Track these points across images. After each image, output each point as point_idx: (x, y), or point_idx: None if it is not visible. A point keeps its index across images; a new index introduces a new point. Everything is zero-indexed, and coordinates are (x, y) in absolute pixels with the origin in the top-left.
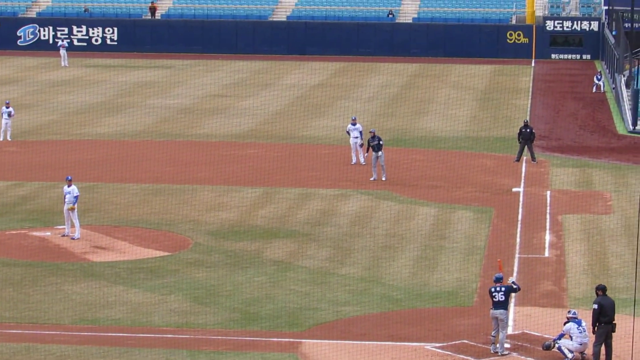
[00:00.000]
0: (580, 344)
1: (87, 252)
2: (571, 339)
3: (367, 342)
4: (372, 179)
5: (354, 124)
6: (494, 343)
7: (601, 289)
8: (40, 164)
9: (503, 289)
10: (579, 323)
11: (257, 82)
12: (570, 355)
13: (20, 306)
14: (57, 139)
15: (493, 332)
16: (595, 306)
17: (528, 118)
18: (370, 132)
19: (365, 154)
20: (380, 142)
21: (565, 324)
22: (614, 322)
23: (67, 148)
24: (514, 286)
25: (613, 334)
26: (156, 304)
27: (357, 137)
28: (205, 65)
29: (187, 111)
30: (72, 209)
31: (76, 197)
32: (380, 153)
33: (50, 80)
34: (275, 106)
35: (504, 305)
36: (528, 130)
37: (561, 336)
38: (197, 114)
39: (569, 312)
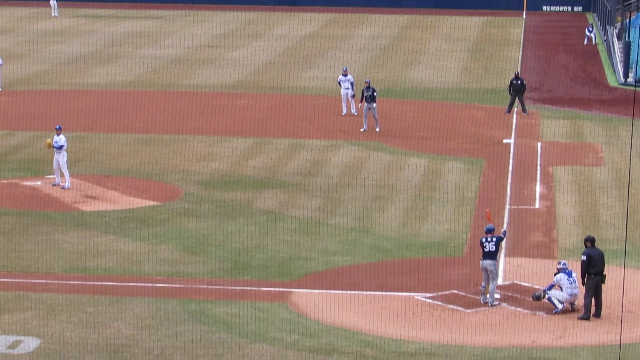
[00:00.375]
0: (570, 295)
1: (77, 201)
2: (561, 290)
3: (357, 292)
4: (362, 129)
5: (345, 75)
6: (484, 294)
7: (590, 240)
8: (31, 113)
9: (494, 239)
10: (569, 274)
11: (248, 33)
12: (560, 306)
13: (11, 255)
14: (48, 89)
15: (483, 283)
16: (584, 257)
17: (519, 70)
18: (365, 82)
19: (359, 105)
20: (375, 94)
21: (555, 275)
22: (604, 273)
23: (58, 98)
24: (503, 236)
25: (603, 285)
26: (147, 253)
27: (348, 88)
28: (195, 15)
29: (178, 61)
30: (49, 145)
31: (60, 146)
32: (374, 104)
33: (40, 30)
34: (266, 57)
35: (493, 255)
36: (519, 82)
37: (551, 287)
38: (187, 65)
39: (559, 263)
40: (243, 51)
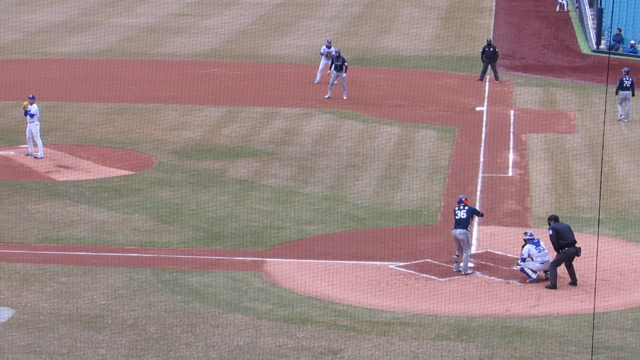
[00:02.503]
0: (542, 263)
1: (51, 171)
2: (532, 260)
3: (330, 261)
4: (327, 96)
5: (328, 47)
6: (457, 262)
7: (553, 219)
8: (3, 83)
9: (467, 207)
10: (536, 244)
11: (220, 1)
12: (534, 276)
13: None
14: (20, 58)
15: (457, 252)
16: (550, 232)
17: (491, 37)
18: (335, 51)
19: (327, 72)
20: (345, 63)
21: (522, 247)
22: (577, 245)
23: (30, 67)
24: (479, 210)
25: (577, 257)
26: (120, 223)
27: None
28: None
29: (151, 30)
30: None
31: (32, 115)
32: (342, 74)
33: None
34: (239, 25)
35: (464, 223)
36: (491, 49)
37: (524, 259)
38: (160, 33)
39: (525, 234)
40: (215, 19)
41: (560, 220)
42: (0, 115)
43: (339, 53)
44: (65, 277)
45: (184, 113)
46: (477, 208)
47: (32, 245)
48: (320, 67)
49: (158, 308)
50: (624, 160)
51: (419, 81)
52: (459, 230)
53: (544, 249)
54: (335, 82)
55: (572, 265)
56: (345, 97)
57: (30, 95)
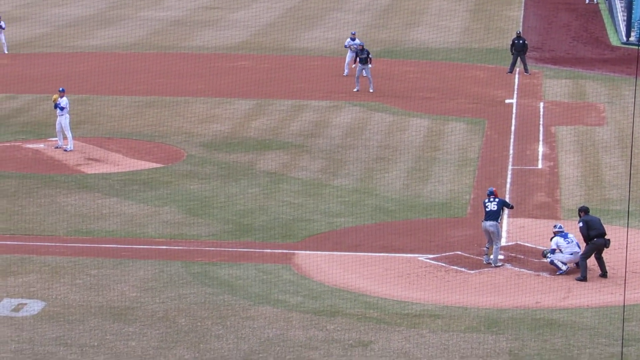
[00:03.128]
0: (572, 254)
1: (80, 164)
2: (561, 252)
3: (360, 253)
4: (355, 89)
5: (353, 39)
6: (487, 254)
7: (583, 210)
8: (33, 76)
9: (497, 199)
10: (565, 236)
11: None
12: (564, 267)
13: (15, 218)
14: (49, 52)
15: (487, 244)
16: (581, 224)
17: (520, 29)
18: (359, 44)
19: (353, 66)
20: (369, 56)
21: (551, 239)
22: (606, 237)
23: (59, 60)
24: (510, 205)
25: (606, 249)
26: (150, 215)
27: (357, 52)
28: None
29: (179, 23)
30: (55, 100)
31: (62, 108)
32: (368, 66)
33: None
34: (267, 18)
35: (494, 216)
36: (521, 41)
37: (553, 251)
38: (189, 26)
39: (554, 226)
40: (244, 12)
41: (590, 212)
42: (30, 109)
43: (363, 46)
44: (95, 270)
45: (213, 106)
46: (507, 200)
47: (62, 238)
48: (347, 60)
49: (188, 300)
50: None
51: (448, 74)
52: (489, 223)
53: (572, 241)
54: (361, 75)
55: (602, 257)
56: (371, 90)
57: (60, 89)
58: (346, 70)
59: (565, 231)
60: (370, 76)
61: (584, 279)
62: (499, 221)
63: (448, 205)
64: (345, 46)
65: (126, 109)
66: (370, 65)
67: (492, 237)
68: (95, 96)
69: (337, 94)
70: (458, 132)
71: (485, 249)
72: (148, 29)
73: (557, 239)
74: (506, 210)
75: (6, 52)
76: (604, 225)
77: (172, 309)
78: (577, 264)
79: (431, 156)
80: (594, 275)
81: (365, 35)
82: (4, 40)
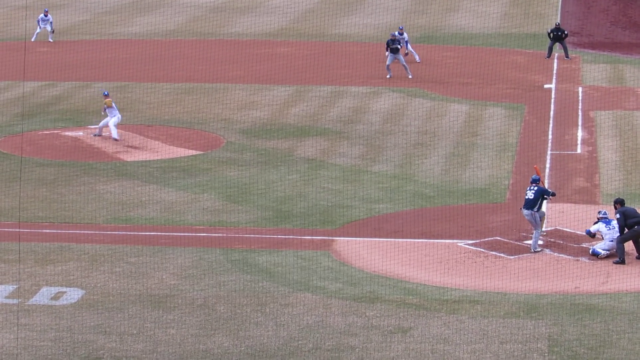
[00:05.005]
0: (612, 240)
1: (119, 151)
2: (602, 238)
3: (399, 239)
4: (388, 76)
5: (400, 34)
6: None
7: (619, 202)
8: (73, 63)
9: (536, 188)
10: (608, 222)
11: None
12: (604, 252)
13: (54, 206)
14: (88, 39)
15: (534, 231)
16: (618, 215)
17: (559, 16)
18: (391, 35)
19: (386, 54)
20: (399, 45)
21: (594, 223)
22: None
23: (99, 48)
24: (549, 190)
25: None
26: (189, 202)
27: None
28: None
29: (219, 10)
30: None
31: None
32: (399, 55)
33: None
34: (307, 4)
35: (531, 204)
36: (559, 33)
37: (589, 233)
38: (228, 13)
39: (599, 212)
40: None
41: (627, 202)
42: (69, 97)
43: (394, 36)
44: (134, 258)
45: (252, 92)
46: (547, 187)
47: (102, 225)
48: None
49: (227, 287)
50: None
51: (487, 59)
52: (526, 211)
53: (614, 227)
54: (393, 63)
55: (638, 240)
56: (410, 76)
57: (104, 92)
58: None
59: (609, 217)
60: (404, 63)
61: (622, 261)
62: (535, 210)
63: (487, 190)
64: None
65: (165, 96)
66: (400, 56)
67: (531, 224)
68: (135, 83)
69: (376, 79)
70: (497, 117)
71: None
72: (187, 16)
73: (600, 224)
74: (547, 186)
75: (51, 40)
76: None
77: (211, 297)
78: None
79: (470, 142)
80: (632, 260)
81: (404, 21)
82: (50, 29)
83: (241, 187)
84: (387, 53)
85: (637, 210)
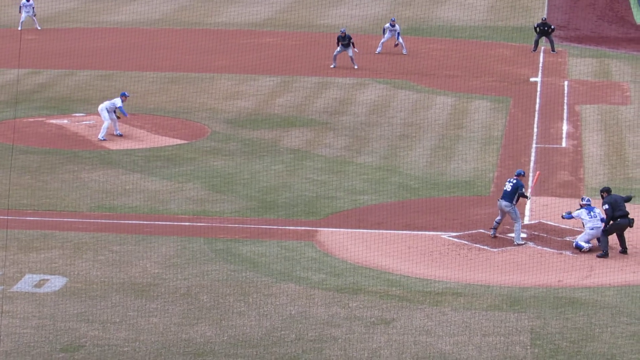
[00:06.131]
0: (592, 229)
1: (104, 139)
2: (583, 226)
3: (383, 231)
4: (332, 66)
5: (392, 25)
6: (495, 228)
7: (605, 191)
8: (58, 51)
9: (513, 181)
10: (590, 209)
11: None
12: (586, 246)
13: (38, 193)
14: (74, 27)
15: (497, 219)
16: (606, 207)
17: (546, 9)
18: (341, 31)
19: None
20: (352, 40)
21: (577, 210)
22: (630, 217)
23: (85, 36)
24: (525, 193)
25: (630, 228)
26: (173, 192)
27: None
28: None
29: None
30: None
31: (120, 108)
32: (348, 49)
33: None
34: None
35: (508, 197)
36: (546, 28)
37: (569, 215)
38: (215, 2)
39: (582, 199)
40: None
41: (612, 192)
42: (54, 84)
43: (344, 33)
44: (118, 246)
45: (237, 82)
46: (530, 187)
47: (85, 213)
48: (383, 39)
49: (211, 277)
50: None
51: (473, 51)
52: (503, 202)
53: (596, 216)
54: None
55: (624, 235)
56: (355, 67)
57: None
58: (379, 49)
59: (592, 205)
60: (352, 55)
61: (605, 254)
62: (514, 203)
63: (472, 183)
64: (383, 30)
65: (150, 84)
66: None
67: (510, 216)
68: (120, 72)
69: (362, 71)
70: (482, 110)
71: (495, 222)
72: (174, 5)
73: (581, 211)
74: (529, 190)
75: (38, 27)
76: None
77: (195, 286)
78: (598, 239)
79: (455, 134)
80: (615, 254)
81: (391, 12)
82: (32, 14)
83: (226, 177)
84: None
85: (623, 200)
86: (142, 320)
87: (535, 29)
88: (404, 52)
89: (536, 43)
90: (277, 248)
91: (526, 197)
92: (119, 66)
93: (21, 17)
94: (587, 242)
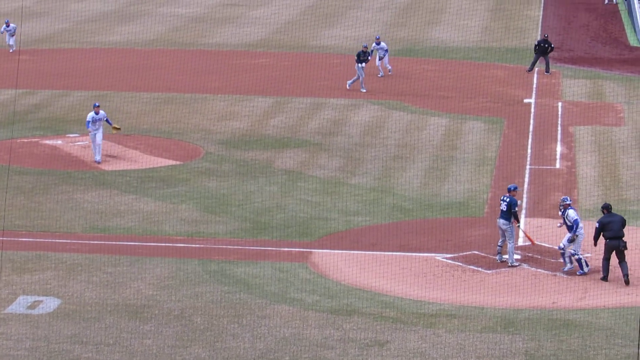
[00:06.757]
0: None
1: (100, 162)
2: (569, 223)
3: (377, 252)
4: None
5: (378, 43)
6: (499, 253)
7: (606, 208)
8: (52, 72)
9: (507, 199)
10: (572, 208)
11: None
12: (585, 269)
13: (32, 214)
14: (69, 47)
15: (499, 241)
16: (597, 225)
17: (540, 29)
18: (363, 46)
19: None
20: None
21: (564, 211)
22: (623, 239)
23: (79, 56)
24: (514, 205)
25: (625, 251)
26: (167, 212)
27: (382, 57)
28: None
29: (199, 20)
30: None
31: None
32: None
33: None
34: (287, 15)
35: (505, 215)
36: (546, 45)
37: (577, 223)
38: (208, 23)
39: (563, 199)
40: (264, 10)
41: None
42: (49, 105)
43: (365, 48)
44: (112, 267)
45: (231, 103)
46: (524, 201)
47: (79, 235)
48: (377, 62)
49: (205, 299)
50: None
51: (467, 72)
52: (502, 221)
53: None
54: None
55: (625, 262)
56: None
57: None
58: (381, 72)
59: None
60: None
61: (605, 279)
62: (510, 220)
63: (465, 204)
64: (370, 50)
65: (144, 105)
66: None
67: (506, 235)
68: (114, 92)
69: (355, 92)
70: (476, 131)
71: (498, 247)
72: (168, 26)
73: (572, 211)
74: (524, 210)
75: (11, 51)
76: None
77: (188, 307)
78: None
79: (449, 155)
80: (612, 276)
81: (384, 34)
82: (12, 43)
83: (220, 198)
84: (361, 65)
85: (621, 221)
86: (136, 342)
87: (535, 47)
88: (380, 74)
89: (533, 63)
90: (271, 269)
91: (517, 219)
92: (113, 87)
93: (9, 40)
94: (588, 265)
